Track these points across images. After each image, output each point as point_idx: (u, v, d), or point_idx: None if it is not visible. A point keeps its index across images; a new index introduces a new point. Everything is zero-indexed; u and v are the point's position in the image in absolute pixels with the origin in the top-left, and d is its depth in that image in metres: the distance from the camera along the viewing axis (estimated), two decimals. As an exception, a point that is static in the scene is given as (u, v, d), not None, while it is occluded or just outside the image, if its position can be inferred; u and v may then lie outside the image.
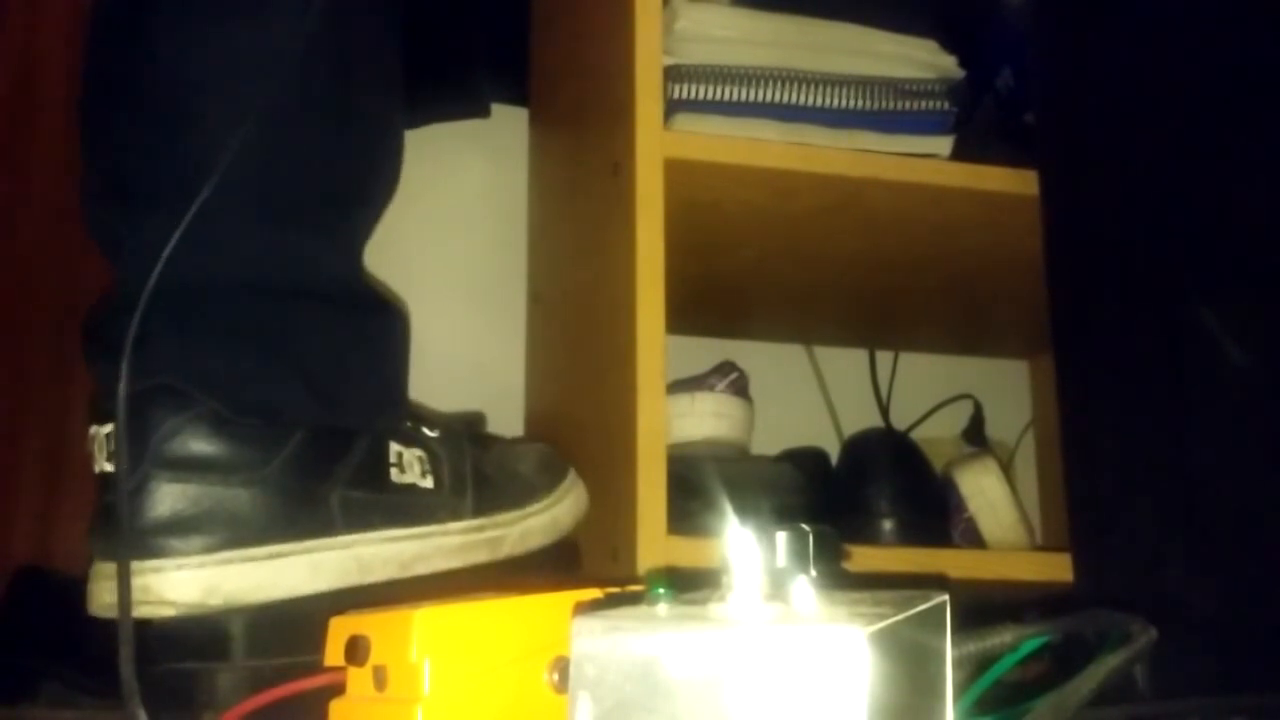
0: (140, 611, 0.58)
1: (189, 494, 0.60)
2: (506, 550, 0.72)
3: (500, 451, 0.78)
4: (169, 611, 0.59)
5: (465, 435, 0.74)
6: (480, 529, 0.71)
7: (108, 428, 0.60)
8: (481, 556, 0.71)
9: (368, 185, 0.72)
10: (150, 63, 0.64)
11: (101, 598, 0.60)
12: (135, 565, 0.58)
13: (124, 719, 0.49)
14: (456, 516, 0.70)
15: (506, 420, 1.21)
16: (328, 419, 0.65)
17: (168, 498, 0.60)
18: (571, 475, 0.80)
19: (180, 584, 0.59)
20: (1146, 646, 0.47)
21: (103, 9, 0.67)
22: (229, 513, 0.61)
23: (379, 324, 0.71)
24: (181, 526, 0.60)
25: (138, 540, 0.59)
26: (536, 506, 0.75)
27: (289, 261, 0.66)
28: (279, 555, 0.62)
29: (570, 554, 0.83)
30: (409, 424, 0.70)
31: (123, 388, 0.57)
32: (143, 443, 0.59)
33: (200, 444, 0.61)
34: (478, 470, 0.72)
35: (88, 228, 0.67)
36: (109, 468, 0.60)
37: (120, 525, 0.58)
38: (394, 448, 0.68)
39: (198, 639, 0.60)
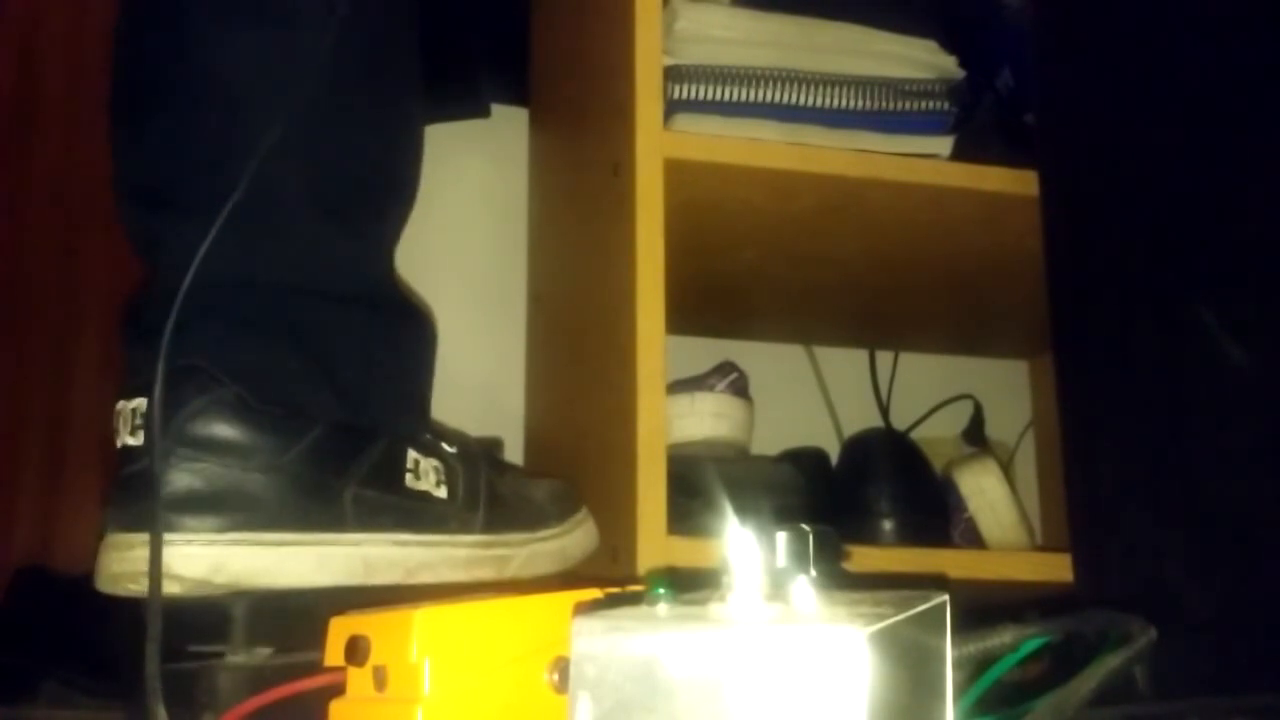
0: (146, 584, 0.58)
1: (206, 473, 0.61)
2: (513, 570, 0.73)
3: (515, 477, 0.78)
4: (175, 588, 0.60)
5: (483, 457, 0.75)
6: (488, 545, 0.71)
7: (135, 402, 0.61)
8: (487, 573, 0.71)
9: (396, 183, 0.73)
10: (183, 64, 0.66)
11: (111, 568, 0.61)
12: (145, 537, 0.59)
13: (143, 715, 0.49)
14: (466, 529, 0.70)
15: (506, 420, 1.21)
16: (349, 417, 0.66)
17: (185, 475, 0.61)
18: (584, 511, 0.81)
19: (188, 559, 0.60)
20: (1146, 647, 0.47)
21: (134, 10, 0.68)
22: (243, 496, 0.61)
23: (408, 330, 0.72)
24: (196, 504, 0.61)
25: (151, 513, 0.59)
26: (547, 533, 0.75)
27: (326, 262, 0.67)
28: (288, 543, 0.62)
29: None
30: (428, 436, 0.71)
31: (161, 366, 0.58)
32: (165, 420, 0.60)
33: (222, 426, 0.62)
34: (492, 489, 0.73)
35: (124, 227, 0.68)
36: (131, 441, 0.61)
37: (139, 497, 0.59)
38: (411, 454, 0.69)
39: (200, 621, 0.61)
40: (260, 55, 0.65)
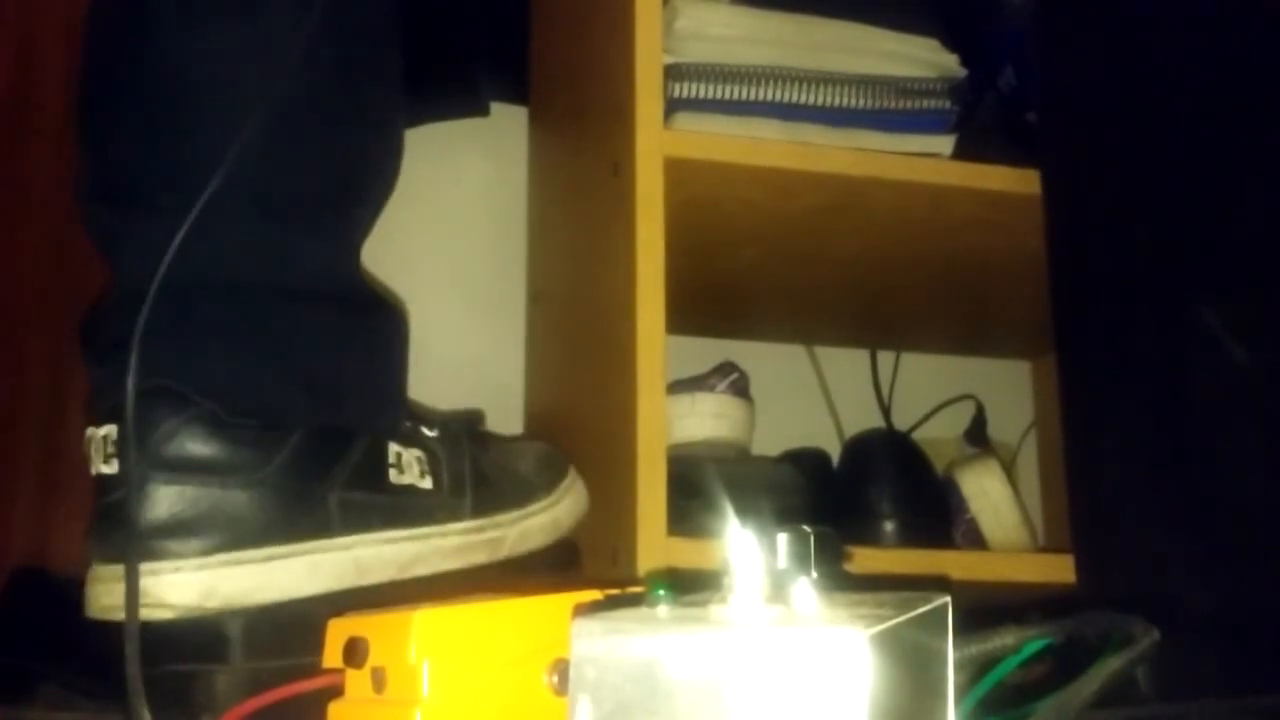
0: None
1: (186, 496, 0.60)
2: (506, 551, 0.72)
3: (499, 450, 0.77)
4: (166, 615, 0.59)
5: (464, 434, 0.74)
6: (479, 529, 0.71)
7: (104, 429, 0.60)
8: (481, 557, 0.70)
9: (367, 184, 0.72)
10: (150, 61, 0.64)
11: (100, 600, 0.60)
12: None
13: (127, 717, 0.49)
14: (455, 517, 0.70)
15: (506, 420, 1.21)
16: (326, 419, 0.65)
17: (165, 500, 0.60)
18: (571, 474, 0.80)
19: (178, 586, 0.59)
20: (1149, 648, 0.47)
21: (101, 8, 0.67)
22: (227, 515, 0.61)
23: (377, 324, 0.71)
24: (179, 529, 0.60)
25: (135, 544, 0.59)
26: (536, 506, 0.75)
27: (287, 260, 0.66)
28: (277, 557, 0.62)
29: (569, 553, 0.82)
30: (408, 424, 0.70)
31: (131, 383, 0.57)
32: (140, 444, 0.59)
33: (198, 446, 0.61)
34: (477, 470, 0.72)
35: (84, 226, 0.67)
36: (106, 470, 0.60)
37: (119, 526, 0.58)
38: (393, 448, 0.68)
39: (195, 641, 0.60)
40: (228, 52, 0.64)
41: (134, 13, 0.65)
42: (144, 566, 0.58)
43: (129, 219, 0.64)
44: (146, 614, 0.58)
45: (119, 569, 0.59)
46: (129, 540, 0.57)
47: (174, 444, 0.60)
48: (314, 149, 0.67)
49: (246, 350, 0.64)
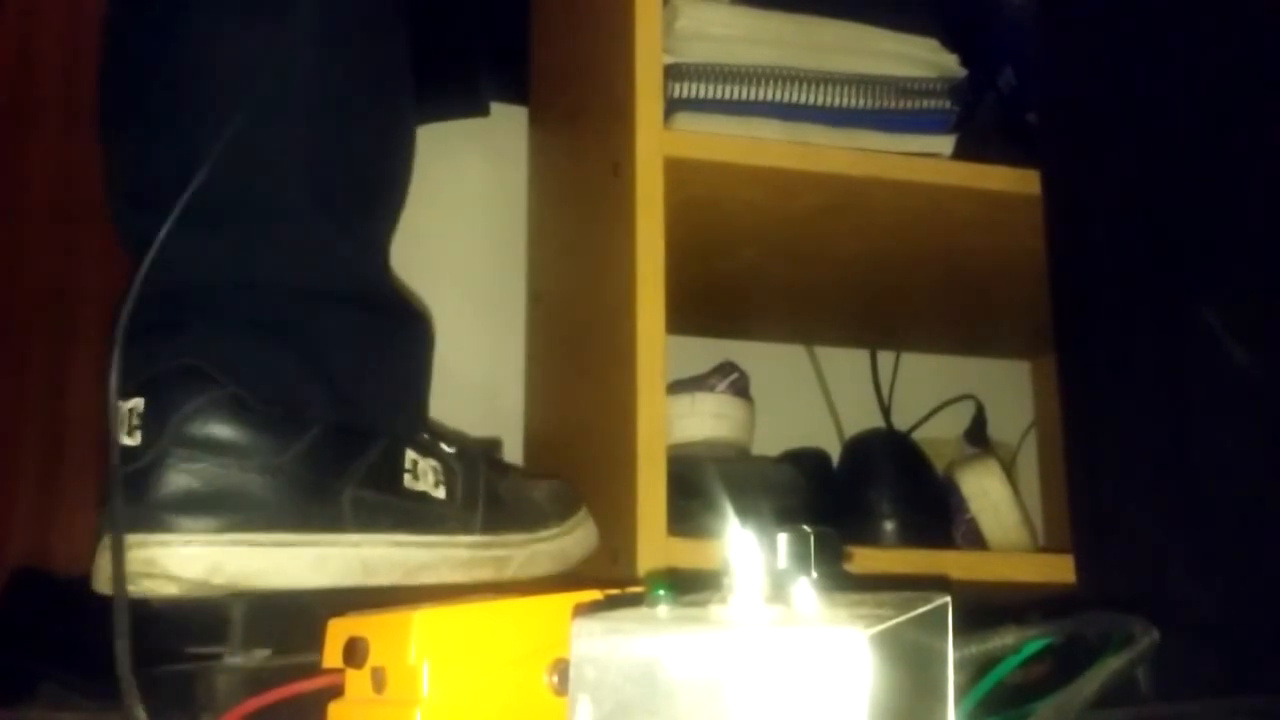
0: (143, 585, 0.59)
1: (203, 474, 0.61)
2: (512, 571, 0.72)
3: (515, 478, 0.78)
4: (171, 589, 0.59)
5: (482, 458, 0.74)
6: (488, 546, 0.71)
7: (131, 402, 0.61)
8: (487, 574, 0.71)
9: (389, 184, 0.73)
10: (174, 63, 0.65)
11: (108, 570, 0.60)
12: (142, 538, 0.59)
13: (123, 716, 0.49)
14: (466, 530, 0.70)
15: (506, 420, 1.21)
16: (346, 418, 0.66)
17: (182, 475, 0.60)
18: (584, 512, 0.80)
19: (185, 560, 0.60)
20: (1149, 648, 0.47)
21: (122, 10, 0.68)
22: (240, 496, 0.61)
23: (405, 330, 0.72)
24: (192, 504, 0.60)
25: (148, 514, 0.59)
26: (546, 534, 0.75)
27: (323, 262, 0.67)
28: (286, 544, 0.62)
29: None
30: (426, 435, 0.71)
31: (116, 356, 0.58)
32: (163, 420, 0.60)
33: (219, 426, 0.61)
34: (490, 490, 0.73)
35: (115, 228, 0.68)
36: (128, 442, 0.61)
37: (135, 497, 0.59)
38: (410, 455, 0.68)
39: (198, 623, 0.61)
40: (252, 53, 0.65)
41: (157, 12, 0.66)
42: (154, 537, 0.59)
43: (156, 220, 0.64)
44: (152, 585, 0.59)
45: (130, 538, 0.59)
46: (120, 517, 0.58)
47: (195, 422, 0.61)
48: (341, 148, 0.68)
49: (275, 345, 0.65)
